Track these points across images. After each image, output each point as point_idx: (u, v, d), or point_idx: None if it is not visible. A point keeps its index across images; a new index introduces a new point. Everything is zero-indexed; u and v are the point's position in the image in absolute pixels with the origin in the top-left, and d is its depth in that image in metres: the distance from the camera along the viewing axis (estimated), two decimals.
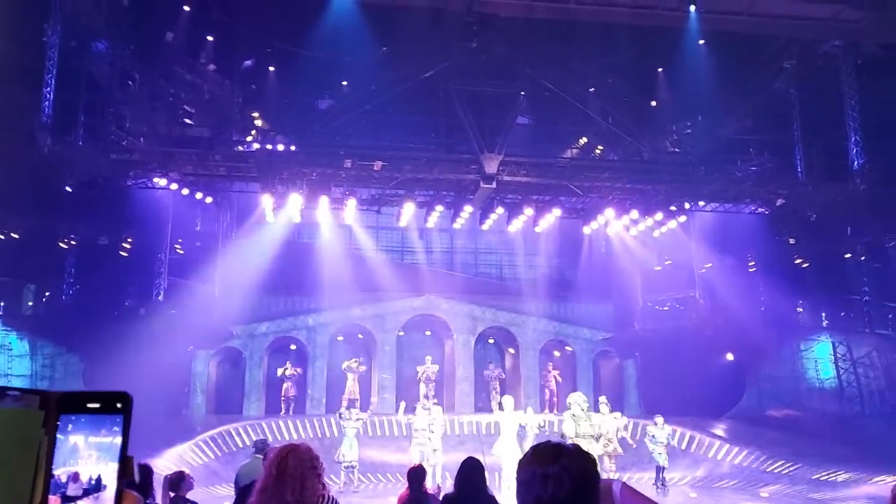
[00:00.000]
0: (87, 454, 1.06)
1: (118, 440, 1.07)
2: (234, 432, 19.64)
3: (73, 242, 21.38)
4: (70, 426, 1.06)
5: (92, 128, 17.40)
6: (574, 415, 15.51)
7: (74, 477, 1.05)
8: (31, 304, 22.84)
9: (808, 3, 16.04)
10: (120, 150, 17.85)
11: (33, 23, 15.87)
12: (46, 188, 17.21)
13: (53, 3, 16.04)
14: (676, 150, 21.58)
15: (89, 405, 1.08)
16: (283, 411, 22.28)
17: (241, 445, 19.31)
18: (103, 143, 17.43)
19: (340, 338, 24.70)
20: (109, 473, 1.06)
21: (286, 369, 22.60)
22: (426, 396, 21.14)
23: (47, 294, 22.77)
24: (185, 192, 19.40)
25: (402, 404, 18.11)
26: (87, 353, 19.96)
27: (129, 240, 21.30)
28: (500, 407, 17.25)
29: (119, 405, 1.09)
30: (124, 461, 1.07)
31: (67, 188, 17.31)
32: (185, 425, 19.96)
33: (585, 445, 14.58)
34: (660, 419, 17.58)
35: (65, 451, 1.05)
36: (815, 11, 16.48)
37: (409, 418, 17.95)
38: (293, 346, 24.03)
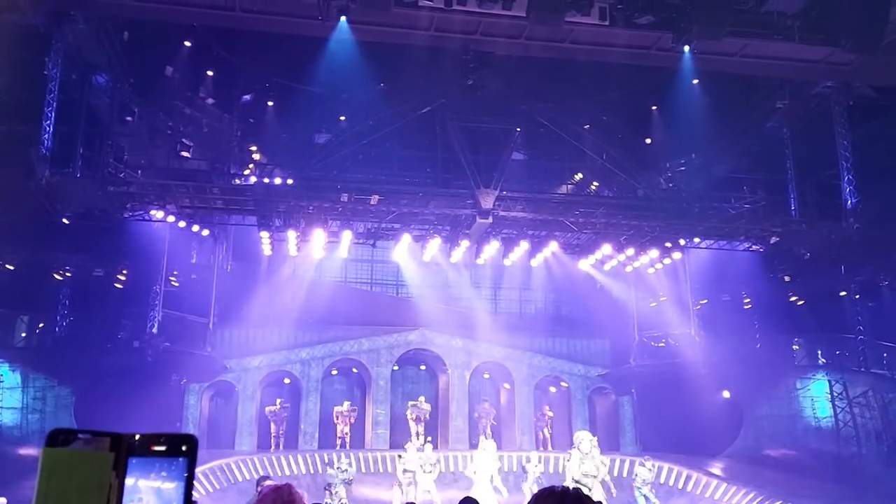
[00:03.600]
0: (142, 497, 1.06)
1: (175, 483, 1.07)
2: (225, 468, 19.41)
3: (67, 274, 21.36)
4: (128, 467, 1.07)
5: (90, 160, 17.46)
6: (582, 454, 15.43)
7: None
8: (24, 335, 22.72)
9: (800, 46, 16.26)
10: (117, 182, 17.90)
11: (35, 56, 16.01)
12: (43, 219, 17.22)
13: (55, 37, 16.19)
14: (671, 185, 21.72)
15: (155, 448, 1.08)
16: (273, 447, 22.09)
17: (232, 481, 19.09)
18: (101, 176, 17.47)
19: (335, 372, 24.56)
20: None
21: (275, 407, 22.51)
22: (417, 434, 20.96)
23: (41, 326, 22.67)
24: (182, 224, 19.43)
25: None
26: (78, 385, 19.80)
27: (125, 272, 21.29)
28: (482, 448, 17.25)
29: (184, 448, 1.09)
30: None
31: (64, 220, 17.31)
32: None
33: (589, 485, 14.48)
34: (648, 462, 17.61)
35: (125, 492, 1.06)
36: (806, 53, 16.71)
37: (403, 456, 17.79)
38: (287, 380, 23.86)
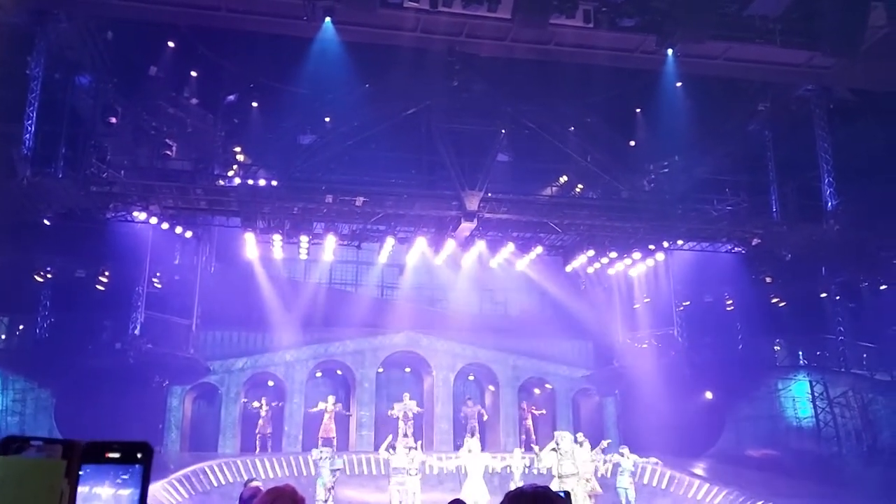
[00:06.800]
0: None
1: (125, 491, 1.07)
2: (208, 470, 19.28)
3: (49, 275, 21.12)
4: (81, 475, 1.06)
5: (73, 160, 17.29)
6: (561, 453, 15.49)
7: None
8: (3, 336, 22.46)
9: (782, 49, 16.44)
10: (100, 182, 17.74)
11: (17, 56, 15.85)
12: (24, 220, 17.04)
13: (38, 36, 16.05)
14: (654, 187, 21.86)
15: (110, 455, 1.08)
16: (258, 448, 21.92)
17: (215, 484, 18.98)
18: (84, 176, 17.30)
19: (319, 374, 24.47)
20: None
21: (261, 405, 22.32)
22: (405, 435, 20.92)
23: (21, 327, 22.42)
24: (165, 225, 19.28)
25: (388, 438, 18.09)
26: (59, 387, 19.59)
27: (107, 273, 21.09)
28: (469, 450, 17.28)
29: (139, 455, 1.09)
30: None
31: (46, 220, 17.13)
32: (158, 463, 19.39)
33: (570, 484, 14.55)
34: (625, 449, 17.76)
35: (80, 499, 1.05)
36: (788, 57, 16.90)
37: (389, 456, 17.79)
38: (271, 383, 23.75)
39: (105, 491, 1.06)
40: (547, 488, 1.95)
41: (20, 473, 1.01)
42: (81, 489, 1.05)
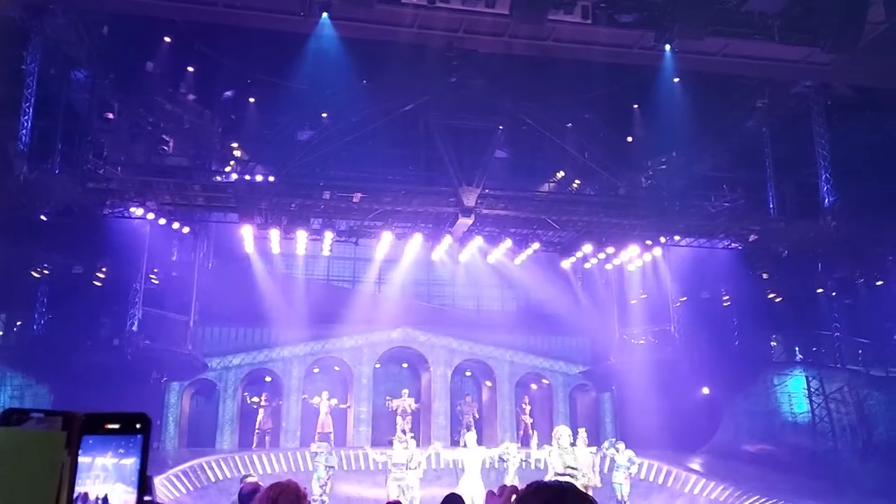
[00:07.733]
0: (94, 475, 1.06)
1: (128, 461, 1.08)
2: (206, 466, 19.30)
3: (46, 271, 21.07)
4: (83, 446, 1.07)
5: (69, 156, 17.24)
6: (561, 448, 15.54)
7: (83, 497, 1.05)
8: (0, 333, 22.41)
9: (780, 46, 16.44)
10: (97, 178, 17.71)
11: (13, 51, 15.80)
12: (21, 216, 16.97)
13: (33, 31, 15.99)
14: (652, 183, 21.86)
15: (109, 426, 1.09)
16: (256, 444, 21.92)
17: (213, 480, 19.01)
18: (80, 172, 17.27)
19: (316, 370, 24.48)
20: (117, 494, 1.07)
21: (261, 400, 22.32)
22: (403, 430, 20.95)
23: (18, 324, 22.36)
24: (162, 221, 19.25)
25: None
26: (57, 383, 19.59)
27: (104, 269, 21.04)
28: (464, 444, 17.34)
29: (138, 426, 1.10)
30: (143, 479, 1.08)
31: (42, 216, 17.08)
32: (156, 459, 19.56)
33: (571, 477, 14.62)
34: (621, 445, 17.79)
35: (82, 470, 1.06)
36: (786, 53, 16.90)
37: (387, 452, 17.82)
38: (268, 378, 23.75)
39: (108, 461, 1.07)
40: (571, 484, 1.94)
41: (21, 445, 1.03)
42: (84, 459, 1.06)
